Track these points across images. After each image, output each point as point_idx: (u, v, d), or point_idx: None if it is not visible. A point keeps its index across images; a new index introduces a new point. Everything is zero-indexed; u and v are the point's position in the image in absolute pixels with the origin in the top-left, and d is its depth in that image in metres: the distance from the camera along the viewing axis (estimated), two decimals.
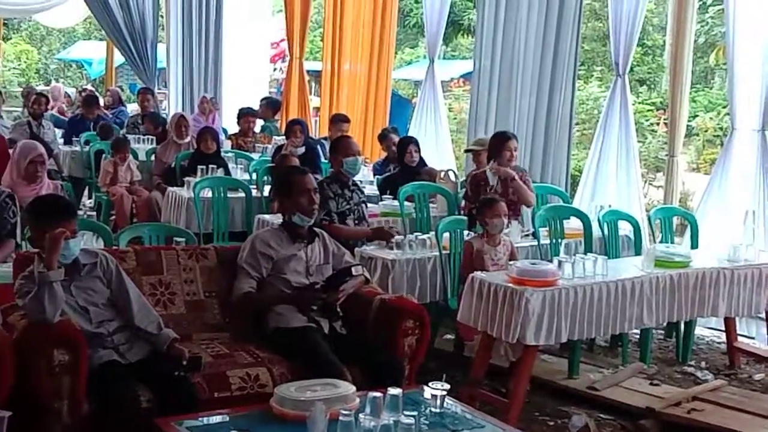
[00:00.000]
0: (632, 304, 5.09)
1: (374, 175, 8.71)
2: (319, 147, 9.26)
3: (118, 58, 16.50)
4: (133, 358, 3.92)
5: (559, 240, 6.22)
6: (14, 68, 23.68)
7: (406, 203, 6.93)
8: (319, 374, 3.82)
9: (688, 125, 11.46)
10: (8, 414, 3.02)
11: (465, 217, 6.13)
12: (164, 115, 12.09)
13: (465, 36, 21.08)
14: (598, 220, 6.41)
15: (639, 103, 16.32)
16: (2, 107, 10.49)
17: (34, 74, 24.99)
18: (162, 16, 13.68)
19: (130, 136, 10.03)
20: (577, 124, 10.09)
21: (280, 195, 4.72)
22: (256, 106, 11.41)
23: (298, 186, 4.60)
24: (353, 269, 4.57)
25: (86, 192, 10.33)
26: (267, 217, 6.49)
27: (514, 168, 6.56)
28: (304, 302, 4.41)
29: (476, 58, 8.77)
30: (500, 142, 6.52)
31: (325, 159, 8.61)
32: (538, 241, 6.16)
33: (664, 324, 6.27)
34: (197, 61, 12.64)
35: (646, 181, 13.02)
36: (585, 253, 5.53)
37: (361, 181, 7.44)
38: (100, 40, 20.71)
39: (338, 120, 9.96)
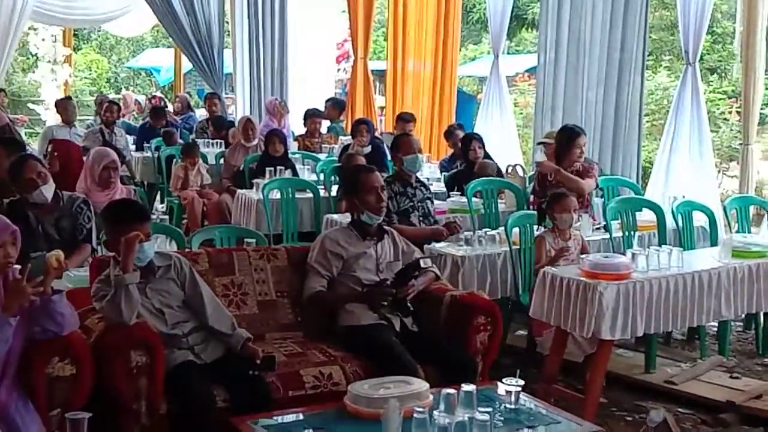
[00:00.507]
0: (709, 296, 4.97)
1: (441, 171, 8.68)
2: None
3: (186, 64, 16.75)
4: (209, 358, 3.97)
5: (632, 232, 6.11)
6: (85, 77, 24.20)
7: (474, 199, 6.89)
8: (393, 371, 3.81)
9: (761, 113, 11.16)
10: (88, 415, 3.07)
11: (534, 212, 6.07)
12: (232, 119, 12.23)
13: (529, 30, 20.89)
14: (672, 211, 6.29)
15: (710, 92, 15.96)
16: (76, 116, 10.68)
17: (104, 83, 25.51)
18: (227, 22, 13.85)
19: (199, 141, 10.18)
20: (646, 114, 9.89)
21: (348, 194, 4.73)
22: (321, 107, 11.47)
23: (365, 184, 4.61)
24: (422, 261, 4.56)
25: (158, 197, 10.51)
26: (335, 216, 6.52)
27: (584, 160, 6.48)
28: (374, 299, 4.41)
29: (541, 51, 8.68)
30: (569, 139, 6.41)
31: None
32: (610, 234, 6.06)
33: (743, 315, 6.12)
34: (263, 65, 12.74)
35: (719, 171, 12.72)
36: (659, 245, 5.43)
37: (428, 179, 7.43)
38: (168, 47, 21.03)
39: (403, 119, 9.95)
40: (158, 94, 18.64)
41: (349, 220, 4.77)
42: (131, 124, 13.14)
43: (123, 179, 7.18)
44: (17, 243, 3.46)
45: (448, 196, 7.34)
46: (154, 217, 6.04)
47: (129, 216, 3.94)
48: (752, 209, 6.96)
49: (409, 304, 4.45)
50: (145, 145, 10.74)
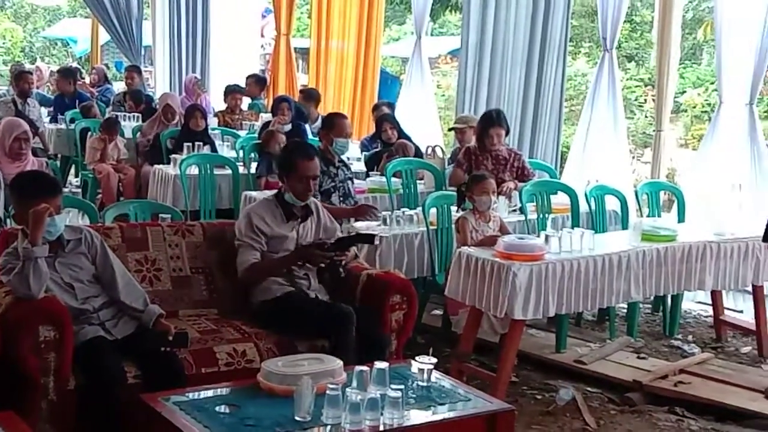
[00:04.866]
0: (619, 278, 5.09)
1: (362, 151, 8.67)
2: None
3: (104, 35, 16.35)
4: (120, 334, 3.91)
5: (547, 215, 6.22)
6: None
7: (393, 179, 6.91)
8: (312, 331, 4.05)
9: (676, 102, 11.42)
10: None
11: (452, 193, 6.12)
12: (150, 93, 12.00)
13: (453, 12, 20.98)
14: (585, 195, 6.40)
15: (627, 79, 16.31)
16: None
17: (19, 52, 24.76)
18: None
19: (115, 113, 9.98)
20: (565, 100, 10.09)
21: (281, 171, 4.67)
22: (244, 83, 11.33)
23: (300, 171, 4.53)
24: (376, 239, 4.56)
25: (72, 170, 10.27)
26: (254, 193, 6.47)
27: (509, 150, 6.57)
28: (313, 258, 4.40)
29: (464, 33, 8.68)
30: (484, 127, 6.51)
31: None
32: (525, 217, 6.16)
33: (651, 298, 6.31)
34: (184, 38, 12.52)
35: (634, 157, 13.03)
36: (572, 228, 5.53)
37: (348, 158, 7.42)
38: (85, 17, 20.49)
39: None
40: (74, 65, 18.19)
41: (274, 192, 4.71)
42: (45, 95, 12.78)
43: (36, 151, 7.00)
44: None
45: (368, 176, 7.35)
46: (66, 190, 5.93)
47: (38, 188, 3.84)
48: (663, 194, 7.13)
49: (341, 270, 4.45)
50: (60, 117, 10.47)
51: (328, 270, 4.44)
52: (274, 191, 4.75)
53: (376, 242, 4.61)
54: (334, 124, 6.12)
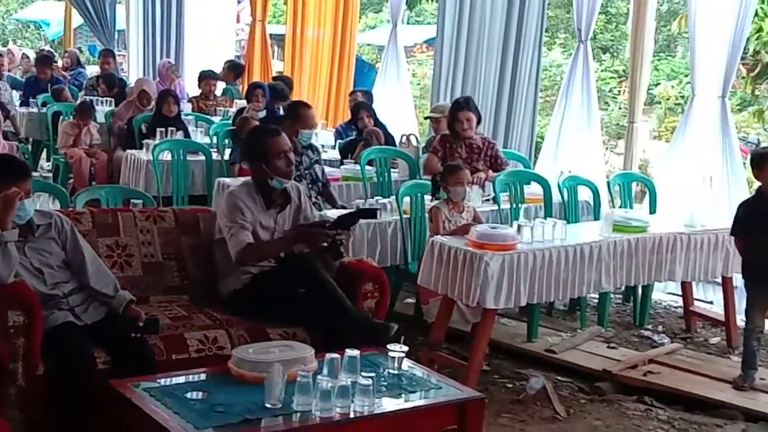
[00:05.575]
0: (590, 268, 5.12)
1: (336, 138, 8.65)
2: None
3: (77, 18, 16.20)
4: (89, 319, 3.88)
5: (519, 205, 6.24)
6: None
7: (367, 167, 6.91)
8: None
9: (650, 93, 11.47)
10: None
11: (426, 182, 6.13)
12: (124, 77, 11.90)
13: (429, 1, 20.97)
14: (558, 185, 6.43)
15: (602, 70, 16.39)
16: None
17: None
18: None
19: (88, 98, 9.90)
20: (540, 90, 10.11)
21: (254, 160, 4.51)
22: (220, 69, 11.27)
23: (273, 149, 4.42)
24: (378, 213, 4.52)
25: (44, 154, 10.18)
26: (227, 180, 6.44)
27: (484, 140, 6.58)
28: (314, 239, 4.31)
29: (440, 22, 8.68)
30: (453, 111, 6.51)
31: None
32: (499, 206, 6.17)
33: (622, 288, 6.36)
34: (159, 22, 12.42)
35: (607, 148, 13.11)
36: (544, 218, 5.55)
37: (323, 145, 7.41)
38: (59, 0, 20.29)
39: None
40: (47, 48, 18.00)
41: (250, 177, 4.60)
42: (17, 78, 12.65)
43: (7, 135, 6.94)
44: None
45: (342, 164, 7.34)
46: (37, 174, 5.88)
47: (8, 172, 3.79)
48: (635, 186, 7.18)
49: (342, 249, 4.39)
50: (31, 100, 10.37)
51: (330, 250, 4.32)
52: (249, 177, 4.69)
53: (379, 216, 4.55)
54: (298, 116, 6.00)
